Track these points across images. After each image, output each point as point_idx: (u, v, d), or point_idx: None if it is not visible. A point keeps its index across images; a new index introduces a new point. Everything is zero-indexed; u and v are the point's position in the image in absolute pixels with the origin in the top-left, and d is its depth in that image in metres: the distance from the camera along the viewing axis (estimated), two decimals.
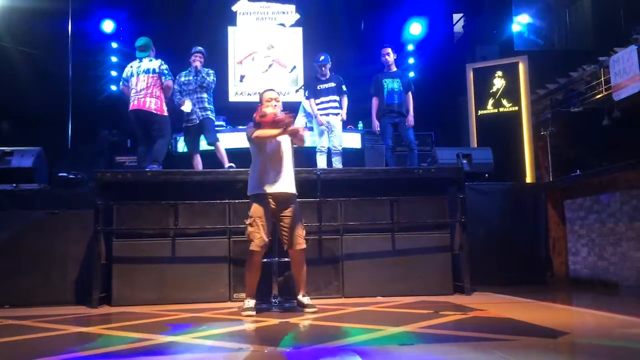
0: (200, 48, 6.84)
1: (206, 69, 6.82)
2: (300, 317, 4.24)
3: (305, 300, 4.60)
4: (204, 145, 6.99)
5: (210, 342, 3.33)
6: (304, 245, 4.58)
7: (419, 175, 5.71)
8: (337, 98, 7.05)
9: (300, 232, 4.58)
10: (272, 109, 4.53)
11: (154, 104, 6.30)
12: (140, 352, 3.07)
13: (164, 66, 6.39)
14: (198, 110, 6.72)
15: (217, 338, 3.46)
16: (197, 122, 6.72)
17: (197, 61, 6.76)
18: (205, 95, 6.79)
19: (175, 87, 6.72)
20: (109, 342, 3.42)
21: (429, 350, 3.00)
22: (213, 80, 6.84)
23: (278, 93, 4.79)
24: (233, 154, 6.83)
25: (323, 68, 7.06)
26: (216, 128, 7.18)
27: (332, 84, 7.06)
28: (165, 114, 6.39)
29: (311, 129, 7.42)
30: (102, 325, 4.10)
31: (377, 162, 8.61)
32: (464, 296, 5.25)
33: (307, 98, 7.25)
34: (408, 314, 4.29)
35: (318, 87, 7.06)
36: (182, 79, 6.82)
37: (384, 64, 7.31)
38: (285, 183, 4.55)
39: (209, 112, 6.77)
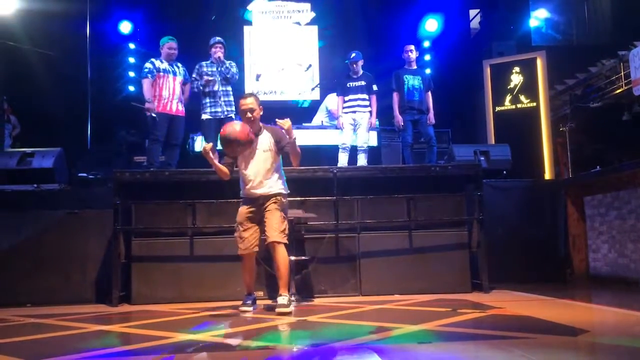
0: (219, 38, 6.58)
1: (228, 61, 6.55)
2: (317, 315, 4.24)
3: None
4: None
5: (228, 340, 3.36)
6: None
7: (436, 173, 5.68)
8: (366, 97, 6.93)
9: None
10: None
11: None
12: (159, 350, 3.10)
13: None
14: (224, 103, 6.44)
15: (235, 336, 3.48)
16: (222, 116, 6.36)
17: (219, 52, 6.48)
18: (230, 88, 6.55)
19: (194, 75, 6.58)
20: (128, 340, 3.46)
21: (447, 348, 2.99)
22: (237, 71, 6.63)
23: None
24: None
25: (354, 65, 6.93)
26: None
27: (362, 82, 6.94)
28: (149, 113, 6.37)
29: (334, 127, 7.41)
30: (122, 323, 4.14)
31: (394, 159, 8.57)
32: (482, 294, 5.22)
33: (337, 95, 7.16)
34: (426, 312, 4.29)
35: (348, 85, 6.97)
36: (205, 69, 6.54)
37: (404, 61, 7.27)
38: None
39: (233, 108, 6.45)
